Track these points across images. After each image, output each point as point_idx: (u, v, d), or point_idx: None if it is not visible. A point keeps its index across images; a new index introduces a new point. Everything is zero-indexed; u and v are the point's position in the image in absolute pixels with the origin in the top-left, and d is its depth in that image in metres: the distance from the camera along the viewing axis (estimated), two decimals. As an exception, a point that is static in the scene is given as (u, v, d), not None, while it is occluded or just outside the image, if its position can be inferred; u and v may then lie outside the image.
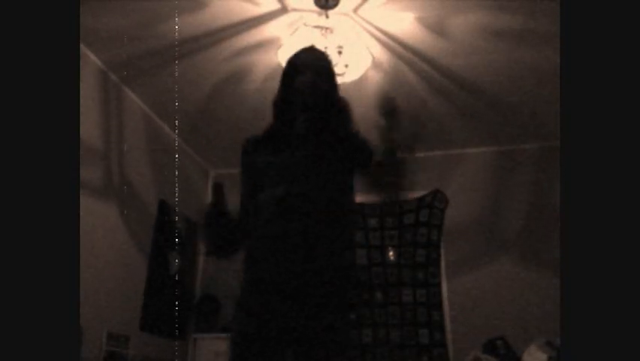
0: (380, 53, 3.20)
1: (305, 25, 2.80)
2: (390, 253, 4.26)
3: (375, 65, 3.26)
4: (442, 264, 4.12)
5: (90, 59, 3.29)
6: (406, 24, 2.96)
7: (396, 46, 3.14)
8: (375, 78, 3.45)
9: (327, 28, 2.74)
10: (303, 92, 1.59)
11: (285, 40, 2.95)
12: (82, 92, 3.08)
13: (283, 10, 2.91)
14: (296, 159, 1.56)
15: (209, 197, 4.76)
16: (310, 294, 1.43)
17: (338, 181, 1.57)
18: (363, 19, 2.95)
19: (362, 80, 3.26)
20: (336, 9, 2.86)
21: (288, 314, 1.42)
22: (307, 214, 1.47)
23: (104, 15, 2.91)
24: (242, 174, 1.73)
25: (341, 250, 1.51)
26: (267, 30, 3.04)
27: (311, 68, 1.63)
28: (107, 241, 3.34)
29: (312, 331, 1.41)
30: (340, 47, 2.76)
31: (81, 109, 3.04)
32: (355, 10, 2.90)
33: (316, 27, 2.75)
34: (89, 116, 3.26)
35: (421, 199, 4.26)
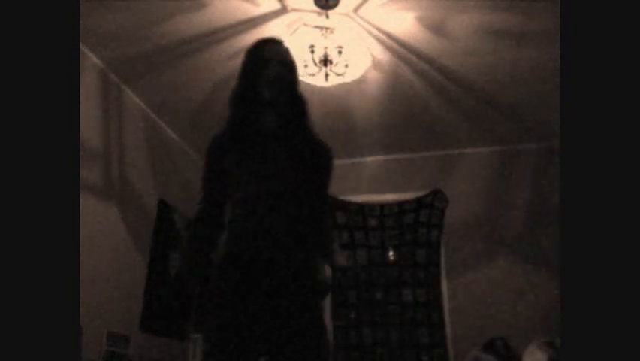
0: (380, 53, 3.20)
1: (305, 25, 2.80)
2: (390, 253, 4.26)
3: (375, 65, 3.26)
4: (442, 264, 4.12)
5: (90, 59, 3.29)
6: (406, 24, 2.96)
7: (397, 46, 3.14)
8: (375, 78, 3.45)
9: (327, 28, 2.74)
10: (270, 86, 1.55)
11: (285, 40, 2.94)
12: (82, 92, 3.08)
13: (283, 10, 2.91)
14: (266, 158, 1.53)
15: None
16: (282, 294, 1.41)
17: (309, 180, 1.54)
18: (363, 19, 2.95)
19: (362, 80, 3.26)
20: (336, 9, 2.86)
21: (260, 314, 1.39)
22: (281, 214, 1.46)
23: (104, 15, 2.91)
24: (206, 174, 1.66)
25: (315, 250, 1.50)
26: (267, 30, 3.04)
27: (275, 61, 1.59)
28: (107, 241, 3.34)
29: (285, 333, 1.38)
30: (340, 47, 2.76)
31: (81, 109, 3.04)
32: (355, 10, 2.90)
33: (316, 27, 2.75)
34: (89, 116, 3.26)
35: (420, 199, 4.26)
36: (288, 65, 1.61)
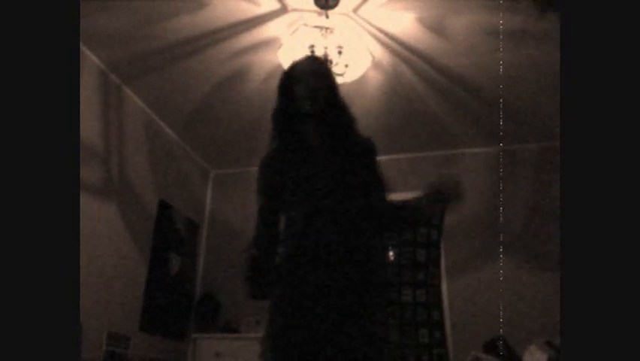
0: (380, 53, 3.20)
1: (305, 25, 2.80)
2: (390, 253, 4.26)
3: (375, 65, 3.26)
4: (442, 264, 4.12)
5: (90, 59, 3.29)
6: (405, 24, 2.96)
7: (397, 46, 3.14)
8: (375, 78, 3.45)
9: (327, 28, 2.74)
10: (305, 98, 1.57)
11: (285, 40, 2.95)
12: (82, 92, 3.09)
13: (283, 10, 2.91)
14: (315, 172, 1.54)
15: (208, 198, 4.78)
16: (341, 309, 1.42)
17: (359, 191, 1.56)
18: (363, 19, 2.95)
19: (362, 80, 3.26)
20: (336, 9, 2.86)
21: (320, 328, 1.40)
22: (335, 228, 1.47)
23: (104, 15, 2.91)
24: (260, 193, 1.68)
25: (371, 261, 1.51)
26: (267, 30, 3.04)
27: (308, 73, 1.61)
28: (107, 241, 3.34)
29: (345, 344, 1.39)
30: (340, 47, 2.76)
31: (81, 109, 3.04)
32: (355, 10, 2.90)
33: (316, 27, 2.75)
34: (89, 116, 3.27)
35: (420, 199, 4.25)
36: (320, 76, 1.62)
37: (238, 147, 4.36)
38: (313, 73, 1.61)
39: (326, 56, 2.75)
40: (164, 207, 4.03)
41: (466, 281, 4.00)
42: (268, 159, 1.66)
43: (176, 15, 2.94)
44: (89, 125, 3.27)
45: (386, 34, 3.05)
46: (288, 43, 2.82)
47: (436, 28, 2.98)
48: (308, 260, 1.46)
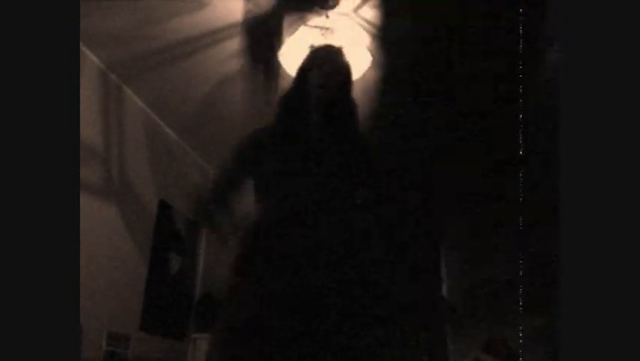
0: (380, 53, 3.20)
1: (305, 25, 2.80)
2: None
3: (375, 65, 3.25)
4: (442, 264, 4.12)
5: (90, 59, 3.29)
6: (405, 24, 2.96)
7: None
8: (376, 78, 3.44)
9: (327, 28, 2.74)
10: (316, 88, 1.53)
11: (285, 40, 2.94)
12: (82, 92, 3.08)
13: (283, 10, 2.91)
14: (307, 168, 1.49)
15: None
16: (328, 310, 1.35)
17: (348, 191, 1.50)
18: (363, 19, 2.95)
19: (362, 80, 3.26)
20: (336, 9, 2.86)
21: (302, 330, 1.33)
22: (319, 228, 1.41)
23: (104, 15, 2.91)
24: (233, 158, 1.64)
25: (359, 261, 1.46)
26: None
27: (325, 62, 1.57)
28: (107, 241, 3.34)
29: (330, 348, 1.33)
30: (340, 47, 2.76)
31: (81, 109, 3.04)
32: (355, 10, 2.90)
33: (316, 27, 2.75)
34: (89, 116, 3.27)
35: (421, 199, 4.25)
36: (337, 67, 1.58)
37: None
38: (330, 63, 1.56)
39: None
40: (164, 207, 4.03)
41: (466, 281, 4.00)
42: (258, 135, 1.62)
43: (176, 15, 2.94)
44: (89, 125, 3.27)
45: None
46: (288, 44, 2.82)
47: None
48: (285, 262, 1.39)
